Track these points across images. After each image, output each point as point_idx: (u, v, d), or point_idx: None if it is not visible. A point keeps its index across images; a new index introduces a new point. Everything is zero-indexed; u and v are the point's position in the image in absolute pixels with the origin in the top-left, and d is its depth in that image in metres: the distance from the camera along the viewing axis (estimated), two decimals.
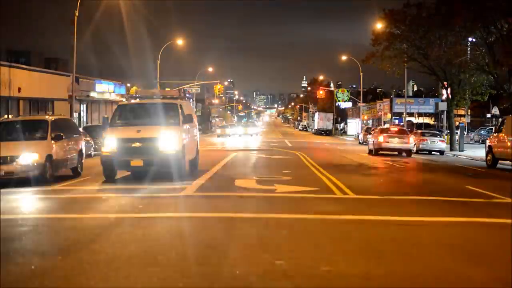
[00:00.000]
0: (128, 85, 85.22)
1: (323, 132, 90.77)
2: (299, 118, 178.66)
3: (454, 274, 6.75)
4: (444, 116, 47.55)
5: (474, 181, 18.60)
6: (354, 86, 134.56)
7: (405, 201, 13.26)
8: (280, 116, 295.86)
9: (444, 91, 45.63)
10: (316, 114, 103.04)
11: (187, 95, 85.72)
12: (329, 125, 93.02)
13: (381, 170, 22.42)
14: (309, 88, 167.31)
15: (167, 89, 53.81)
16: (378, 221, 10.31)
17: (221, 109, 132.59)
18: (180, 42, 61.89)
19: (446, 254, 7.73)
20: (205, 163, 23.74)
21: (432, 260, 7.38)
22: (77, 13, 33.75)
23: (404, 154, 32.37)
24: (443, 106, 44.41)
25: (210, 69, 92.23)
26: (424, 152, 37.17)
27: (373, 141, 33.97)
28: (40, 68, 45.17)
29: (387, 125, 48.94)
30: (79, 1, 33.71)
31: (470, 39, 35.44)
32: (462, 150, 39.16)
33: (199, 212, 11.07)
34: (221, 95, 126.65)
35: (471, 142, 53.85)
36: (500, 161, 25.27)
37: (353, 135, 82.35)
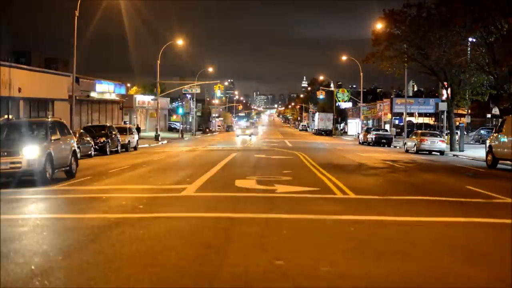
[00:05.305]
0: (128, 85, 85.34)
1: (323, 132, 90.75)
2: (299, 118, 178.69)
3: (454, 274, 6.74)
4: (444, 116, 47.52)
5: (474, 181, 18.59)
6: (354, 86, 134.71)
7: (405, 201, 13.25)
8: (280, 116, 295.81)
9: (444, 91, 45.60)
10: (316, 114, 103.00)
11: (187, 95, 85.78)
12: (329, 125, 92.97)
13: (381, 170, 22.42)
14: (309, 88, 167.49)
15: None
16: (378, 221, 10.31)
17: (221, 109, 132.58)
18: (180, 42, 61.82)
19: (446, 254, 7.72)
20: (206, 163, 23.77)
21: (432, 260, 7.37)
22: (77, 13, 33.78)
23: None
24: (443, 106, 44.40)
25: (211, 69, 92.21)
26: (424, 152, 37.19)
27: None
28: (40, 68, 45.21)
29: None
30: (79, 1, 33.75)
31: (470, 39, 35.38)
32: (462, 150, 39.14)
33: (199, 212, 11.07)
34: (221, 95, 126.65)
35: (471, 142, 53.82)
36: (500, 161, 25.26)
37: (353, 135, 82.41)
